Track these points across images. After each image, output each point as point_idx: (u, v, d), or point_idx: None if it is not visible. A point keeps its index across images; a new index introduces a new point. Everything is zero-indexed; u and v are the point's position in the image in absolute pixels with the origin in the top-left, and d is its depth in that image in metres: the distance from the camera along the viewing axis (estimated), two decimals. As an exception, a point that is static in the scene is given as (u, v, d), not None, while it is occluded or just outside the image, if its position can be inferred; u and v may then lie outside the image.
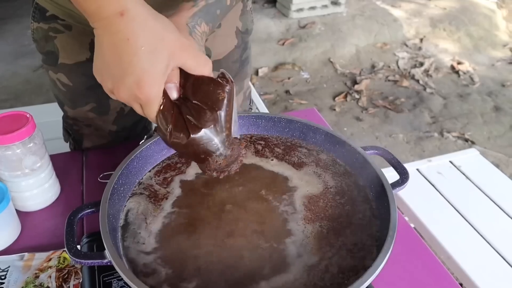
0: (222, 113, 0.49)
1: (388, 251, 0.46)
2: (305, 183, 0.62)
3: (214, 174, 0.52)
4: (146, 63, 0.48)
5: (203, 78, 0.50)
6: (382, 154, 0.63)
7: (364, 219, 0.55)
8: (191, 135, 0.48)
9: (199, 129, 0.48)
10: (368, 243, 0.52)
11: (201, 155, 0.50)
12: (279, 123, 0.68)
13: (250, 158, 0.65)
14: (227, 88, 0.50)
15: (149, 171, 0.64)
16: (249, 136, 0.69)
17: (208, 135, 0.49)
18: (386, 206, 0.52)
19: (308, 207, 0.58)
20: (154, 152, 0.64)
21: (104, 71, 0.50)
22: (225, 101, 0.50)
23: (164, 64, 0.49)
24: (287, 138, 0.68)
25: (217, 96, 0.49)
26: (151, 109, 0.50)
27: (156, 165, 0.65)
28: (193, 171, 0.64)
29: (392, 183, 0.56)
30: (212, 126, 0.49)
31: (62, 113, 0.99)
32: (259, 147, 0.67)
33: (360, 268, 0.49)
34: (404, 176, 0.59)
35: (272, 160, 0.65)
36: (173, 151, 0.66)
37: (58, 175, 0.84)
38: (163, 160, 0.66)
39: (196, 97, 0.50)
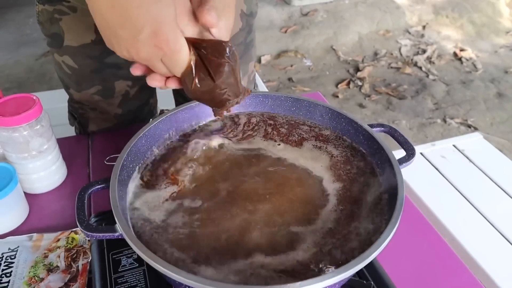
0: (233, 64, 0.52)
1: (396, 224, 0.47)
2: (310, 161, 0.62)
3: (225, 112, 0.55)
4: (155, 11, 0.45)
5: (203, 39, 0.52)
6: (388, 131, 0.64)
7: (374, 194, 0.56)
8: (216, 82, 0.51)
9: (220, 76, 0.50)
10: (377, 220, 0.52)
11: (221, 99, 0.53)
12: (285, 102, 0.68)
13: (258, 143, 0.66)
14: (229, 43, 0.52)
15: (158, 148, 0.64)
16: (259, 113, 0.70)
17: (227, 81, 0.51)
18: (394, 181, 0.53)
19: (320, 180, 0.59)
20: (162, 131, 0.64)
21: (114, 39, 0.47)
22: (232, 53, 0.52)
23: (173, 8, 0.47)
24: (293, 117, 0.69)
25: (223, 50, 0.51)
26: (180, 58, 0.49)
27: (163, 144, 0.65)
28: (202, 153, 0.65)
29: (398, 159, 0.57)
30: (229, 73, 0.51)
31: (66, 99, 0.99)
32: (269, 129, 0.67)
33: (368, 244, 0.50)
34: (410, 152, 0.59)
35: (279, 144, 0.65)
36: (180, 131, 0.67)
37: (65, 159, 0.85)
38: (171, 141, 0.66)
39: (204, 51, 0.51)
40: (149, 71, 0.53)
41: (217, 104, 0.54)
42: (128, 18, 0.45)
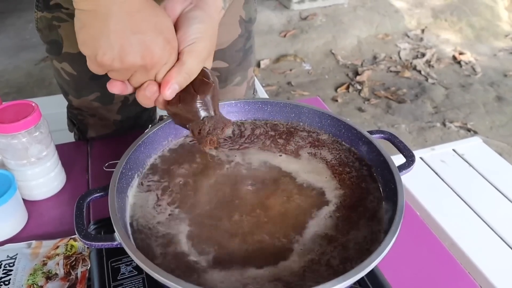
0: (215, 85, 0.56)
1: (396, 232, 0.47)
2: (311, 170, 0.62)
3: (207, 146, 0.57)
4: (168, 20, 0.52)
5: None
6: (388, 137, 0.63)
7: (374, 201, 0.56)
8: (198, 95, 0.54)
9: (203, 92, 0.55)
10: (377, 229, 0.52)
11: (199, 113, 0.56)
12: (284, 108, 0.68)
13: (258, 154, 0.65)
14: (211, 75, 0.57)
15: (157, 155, 0.64)
16: (263, 121, 0.70)
17: (208, 97, 0.55)
18: (393, 188, 0.52)
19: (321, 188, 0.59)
20: (161, 138, 0.64)
21: (125, 42, 0.48)
22: (214, 77, 0.56)
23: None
24: (292, 124, 0.69)
25: (207, 73, 0.56)
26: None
27: (162, 151, 0.65)
28: (202, 163, 0.64)
29: (398, 166, 0.57)
30: (214, 91, 0.56)
31: (66, 105, 0.99)
32: (269, 140, 0.67)
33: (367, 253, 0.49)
34: (410, 159, 0.59)
35: (281, 155, 0.64)
36: (179, 137, 0.67)
37: (64, 165, 0.85)
38: (169, 147, 0.66)
39: None
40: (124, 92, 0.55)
41: (193, 118, 0.56)
42: (150, 24, 0.49)
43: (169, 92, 0.53)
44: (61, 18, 0.81)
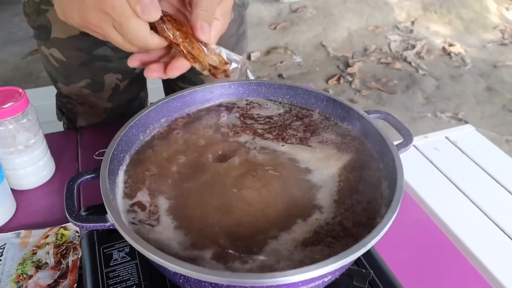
0: None
1: (396, 208, 0.46)
2: (307, 151, 0.61)
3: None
4: None
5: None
6: (385, 117, 0.62)
7: (374, 180, 0.55)
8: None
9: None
10: (378, 202, 0.51)
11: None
12: (279, 89, 0.66)
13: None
14: None
15: (148, 138, 0.62)
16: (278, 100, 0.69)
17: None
18: (393, 166, 0.51)
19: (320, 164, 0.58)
20: (153, 120, 0.62)
21: (68, 6, 0.47)
22: None
23: None
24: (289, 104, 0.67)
25: None
26: (131, 26, 0.47)
27: (155, 133, 0.63)
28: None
29: (396, 144, 0.56)
30: None
31: (54, 96, 0.97)
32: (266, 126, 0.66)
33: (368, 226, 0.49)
34: (408, 138, 0.58)
35: (283, 146, 0.63)
36: (172, 118, 0.65)
37: (53, 154, 0.83)
38: (162, 127, 0.64)
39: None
40: (145, 63, 0.53)
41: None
42: None
43: (204, 36, 0.51)
44: (49, 1, 0.79)
